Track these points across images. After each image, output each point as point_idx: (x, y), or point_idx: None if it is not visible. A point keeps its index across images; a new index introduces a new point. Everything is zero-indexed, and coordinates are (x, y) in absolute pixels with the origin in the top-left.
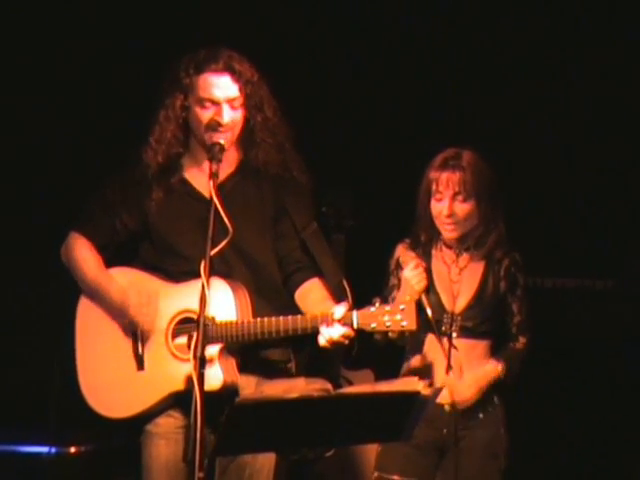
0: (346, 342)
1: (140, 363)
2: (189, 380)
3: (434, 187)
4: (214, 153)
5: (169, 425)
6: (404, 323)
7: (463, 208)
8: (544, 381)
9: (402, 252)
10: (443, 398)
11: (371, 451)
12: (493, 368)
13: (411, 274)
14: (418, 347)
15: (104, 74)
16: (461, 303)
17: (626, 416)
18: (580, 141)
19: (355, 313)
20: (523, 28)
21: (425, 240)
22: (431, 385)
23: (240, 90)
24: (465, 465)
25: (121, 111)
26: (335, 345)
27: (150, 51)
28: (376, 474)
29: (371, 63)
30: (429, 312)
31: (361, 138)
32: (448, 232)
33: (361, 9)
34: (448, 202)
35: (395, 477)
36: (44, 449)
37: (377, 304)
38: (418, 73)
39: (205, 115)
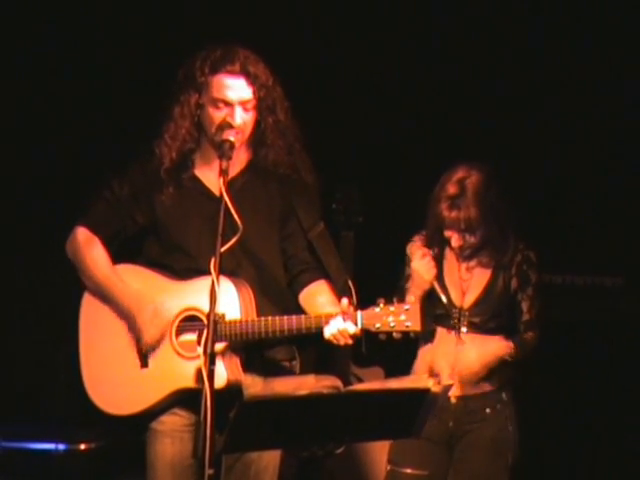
0: (350, 341)
1: (144, 360)
2: (192, 378)
3: (444, 222)
4: (224, 150)
5: (174, 423)
6: (408, 324)
7: (473, 237)
8: (551, 378)
9: (410, 246)
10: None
11: (381, 448)
12: (502, 345)
13: (419, 264)
14: (429, 338)
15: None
16: (469, 299)
17: (635, 413)
18: (589, 138)
19: (360, 313)
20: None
21: (437, 249)
22: (439, 381)
23: (254, 93)
24: (471, 460)
25: (123, 106)
26: (339, 340)
27: (151, 47)
28: (389, 467)
29: (377, 61)
30: (444, 299)
31: (370, 135)
32: (459, 253)
33: (362, 9)
34: (457, 236)
35: (408, 470)
36: (53, 446)
37: (381, 304)
38: (423, 71)
39: (217, 115)
